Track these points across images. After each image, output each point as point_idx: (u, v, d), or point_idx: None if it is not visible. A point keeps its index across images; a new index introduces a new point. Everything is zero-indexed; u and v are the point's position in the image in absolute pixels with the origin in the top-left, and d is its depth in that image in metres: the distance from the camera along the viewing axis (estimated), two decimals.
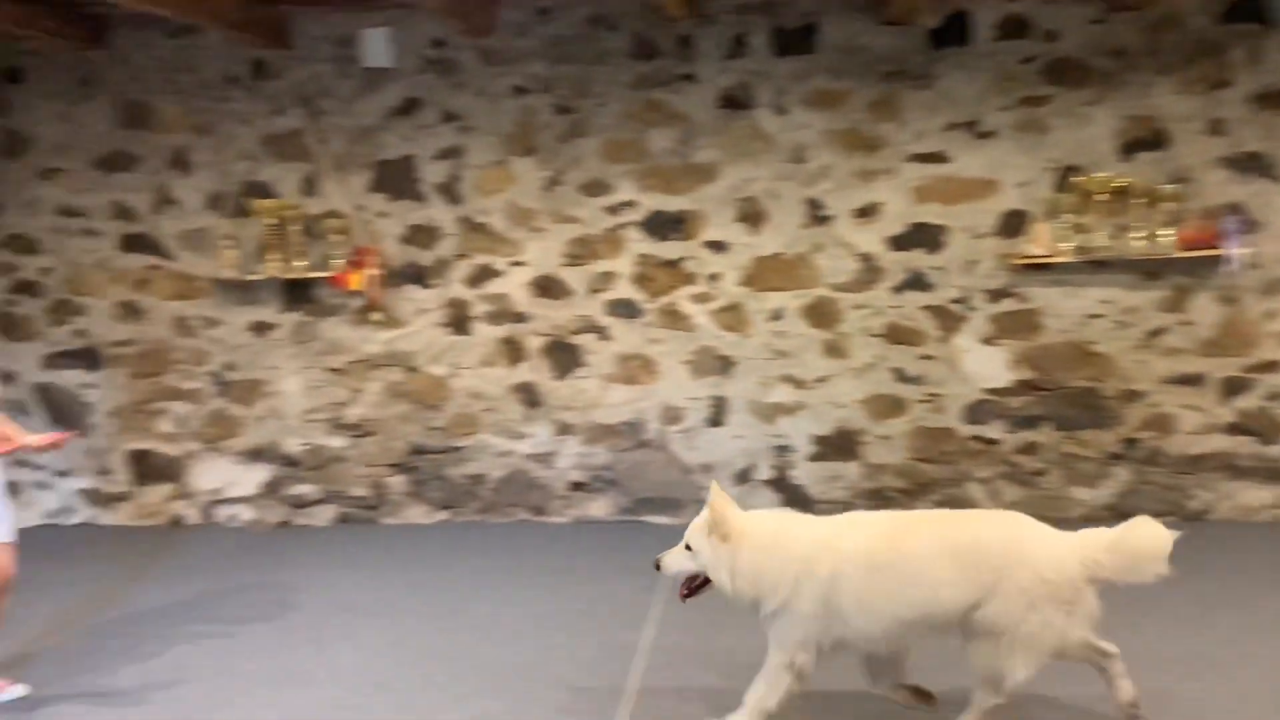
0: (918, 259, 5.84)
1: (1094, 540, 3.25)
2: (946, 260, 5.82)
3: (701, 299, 6.00)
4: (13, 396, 6.21)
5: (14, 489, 4.47)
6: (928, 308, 5.87)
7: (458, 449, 6.23)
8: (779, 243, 5.93)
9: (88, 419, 6.37)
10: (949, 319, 5.86)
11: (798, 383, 6.00)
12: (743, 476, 6.09)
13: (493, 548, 5.79)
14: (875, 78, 5.76)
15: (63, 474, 6.42)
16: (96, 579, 5.45)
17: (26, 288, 6.34)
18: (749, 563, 3.34)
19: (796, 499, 6.02)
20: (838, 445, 6.02)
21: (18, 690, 4.08)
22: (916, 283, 5.85)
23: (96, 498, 6.44)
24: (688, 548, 3.45)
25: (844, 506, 5.95)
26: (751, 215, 5.92)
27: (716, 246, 5.96)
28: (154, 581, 5.41)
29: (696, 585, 3.50)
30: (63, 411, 6.36)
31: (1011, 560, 3.21)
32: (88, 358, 6.35)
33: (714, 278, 5.98)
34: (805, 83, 5.80)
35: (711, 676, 4.03)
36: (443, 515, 6.29)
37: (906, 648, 3.48)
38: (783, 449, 6.05)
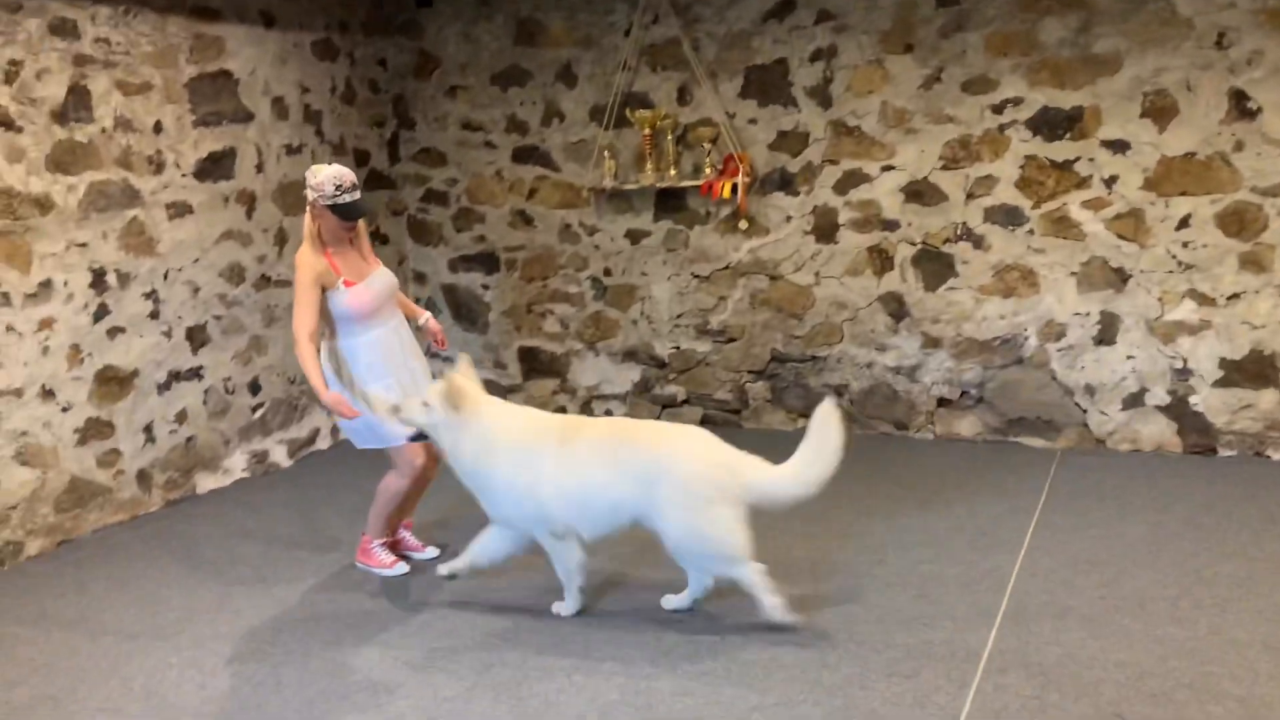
0: None
1: (747, 464, 3.71)
2: None
3: (1094, 205, 5.48)
4: (423, 295, 6.97)
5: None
6: None
7: (819, 358, 6.20)
8: (1191, 141, 5.25)
9: (485, 317, 7.01)
10: None
11: (1205, 299, 5.35)
12: (1134, 400, 5.56)
13: (853, 460, 5.72)
14: None
15: None
16: None
17: (436, 197, 7.01)
18: (468, 442, 3.80)
19: (1196, 428, 5.42)
20: (1251, 371, 5.32)
21: (431, 551, 4.67)
22: None
23: (492, 389, 7.07)
24: (425, 404, 3.85)
25: (1254, 440, 5.34)
26: (1159, 110, 5.28)
27: (1115, 146, 5.39)
28: None
29: (417, 437, 3.98)
30: (464, 310, 7.05)
31: (659, 472, 3.61)
32: (486, 262, 6.95)
33: (1111, 181, 5.43)
34: None
35: (1086, 606, 3.79)
36: (803, 423, 6.27)
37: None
38: (1183, 372, 5.45)
